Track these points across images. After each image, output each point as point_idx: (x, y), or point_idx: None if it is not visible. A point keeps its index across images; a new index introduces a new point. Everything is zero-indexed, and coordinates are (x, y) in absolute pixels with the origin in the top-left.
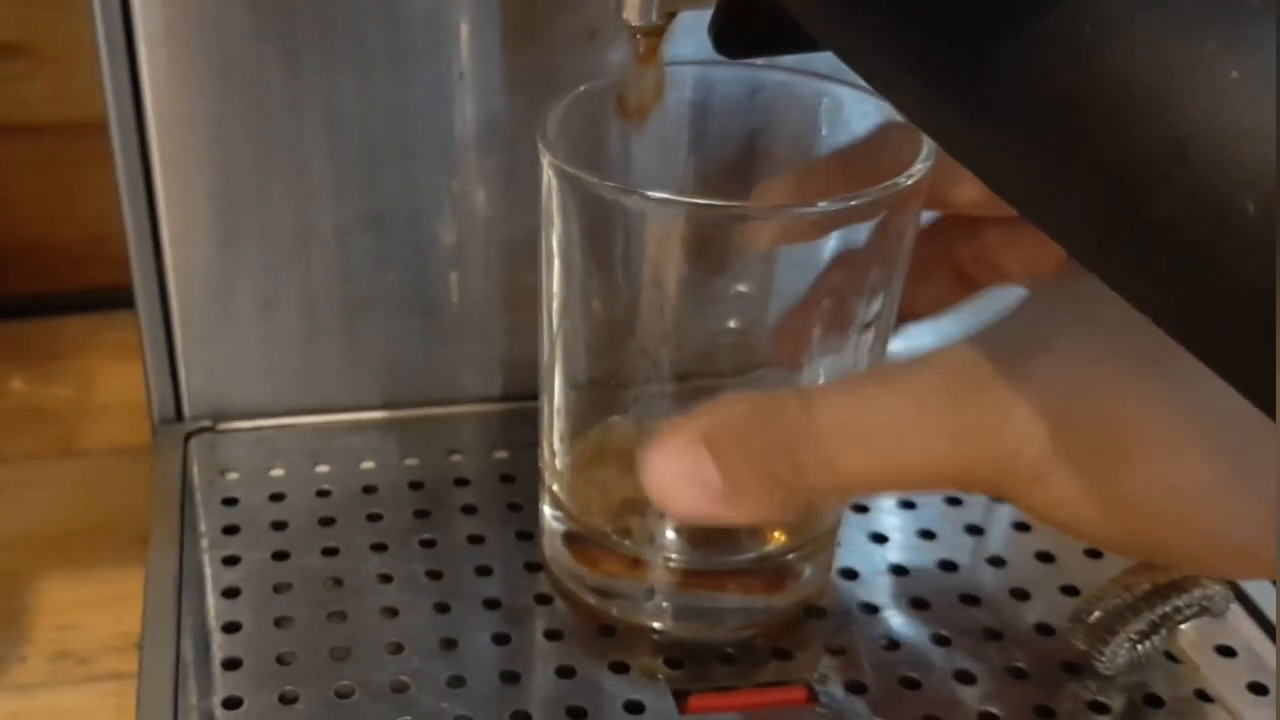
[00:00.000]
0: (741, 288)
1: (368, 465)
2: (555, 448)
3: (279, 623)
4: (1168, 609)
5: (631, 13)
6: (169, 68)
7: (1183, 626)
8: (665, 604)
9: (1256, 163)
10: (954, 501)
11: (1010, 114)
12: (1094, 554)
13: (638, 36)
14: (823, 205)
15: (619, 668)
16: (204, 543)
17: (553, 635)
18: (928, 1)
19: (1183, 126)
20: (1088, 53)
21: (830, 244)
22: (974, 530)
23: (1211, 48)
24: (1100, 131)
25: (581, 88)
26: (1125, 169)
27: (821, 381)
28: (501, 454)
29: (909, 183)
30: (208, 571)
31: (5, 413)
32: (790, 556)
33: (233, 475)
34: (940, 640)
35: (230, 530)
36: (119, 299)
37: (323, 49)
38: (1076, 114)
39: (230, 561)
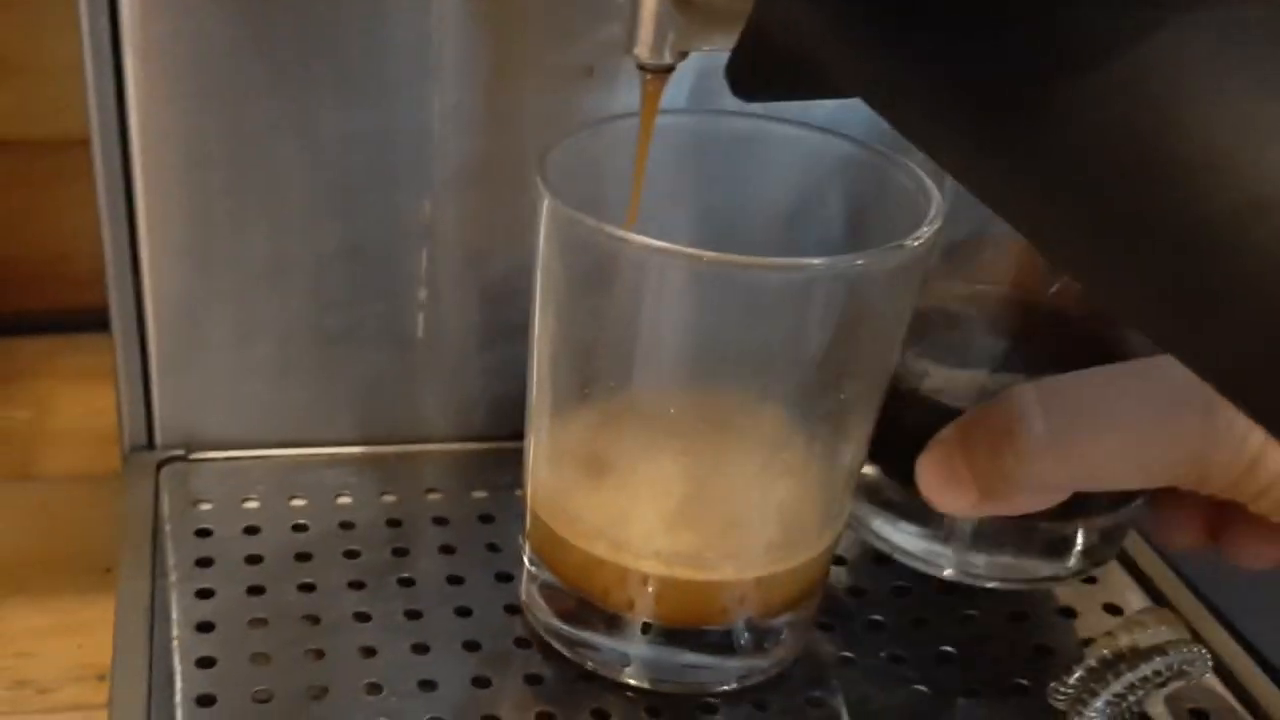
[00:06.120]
0: (739, 337)
1: (344, 500)
2: (539, 492)
3: (254, 659)
4: (1148, 672)
5: (644, 50)
6: (154, 82)
7: (1161, 690)
8: (643, 665)
9: None
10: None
11: (1070, 168)
12: (1067, 613)
13: (646, 75)
14: (825, 260)
15: (599, 715)
16: (176, 575)
17: (533, 680)
18: (977, 43)
19: (1264, 185)
20: (1161, 106)
21: (831, 301)
22: (948, 588)
23: None
24: (1175, 189)
25: (585, 129)
26: (1202, 228)
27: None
28: (480, 494)
29: (915, 245)
30: (181, 604)
31: None
32: (772, 620)
33: (205, 506)
34: (918, 696)
35: (204, 563)
36: (81, 321)
37: (304, 72)
38: (1147, 170)
39: (204, 595)
